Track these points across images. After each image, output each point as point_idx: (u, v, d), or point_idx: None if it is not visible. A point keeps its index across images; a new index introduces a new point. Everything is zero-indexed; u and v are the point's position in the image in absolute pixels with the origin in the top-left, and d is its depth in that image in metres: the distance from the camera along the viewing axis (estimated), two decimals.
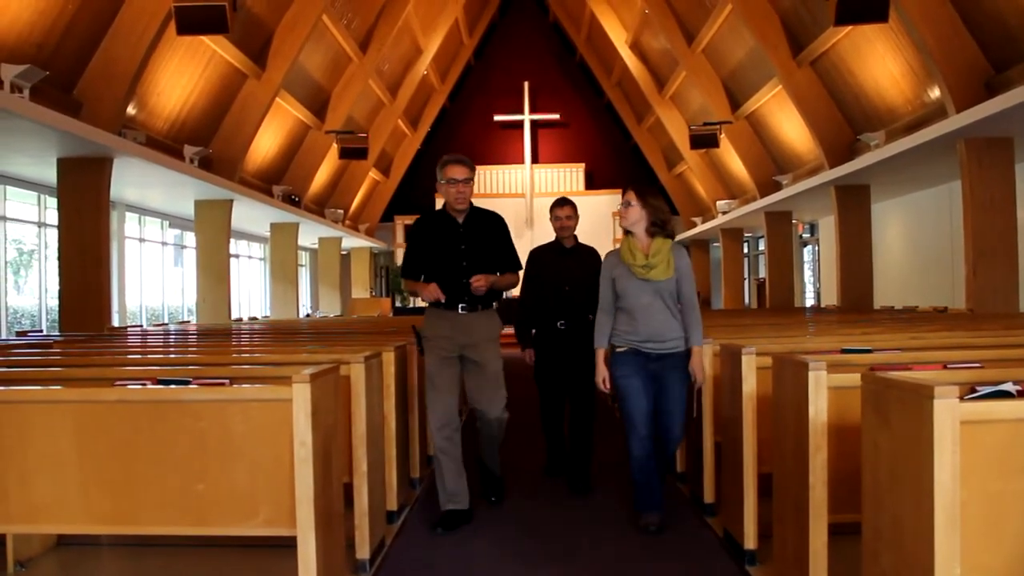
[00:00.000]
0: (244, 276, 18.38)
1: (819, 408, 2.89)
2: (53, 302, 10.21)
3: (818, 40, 11.54)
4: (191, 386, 3.03)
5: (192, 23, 9.19)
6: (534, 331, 5.14)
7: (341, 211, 19.28)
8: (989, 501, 2.09)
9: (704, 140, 16.07)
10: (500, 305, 4.43)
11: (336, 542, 3.21)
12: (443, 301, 4.17)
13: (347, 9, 15.35)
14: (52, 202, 10.09)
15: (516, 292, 4.99)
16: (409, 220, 22.18)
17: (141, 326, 11.26)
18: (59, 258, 8.80)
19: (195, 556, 3.75)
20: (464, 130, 24.38)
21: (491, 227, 4.41)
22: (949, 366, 2.98)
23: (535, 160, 24.66)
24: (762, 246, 17.36)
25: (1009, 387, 2.28)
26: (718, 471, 4.14)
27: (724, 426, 3.94)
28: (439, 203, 4.84)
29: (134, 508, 2.93)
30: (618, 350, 4.02)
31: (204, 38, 10.85)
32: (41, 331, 9.97)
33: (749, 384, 3.56)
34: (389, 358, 4.20)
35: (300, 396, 2.85)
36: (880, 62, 10.77)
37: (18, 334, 8.22)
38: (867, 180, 11.52)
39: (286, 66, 13.10)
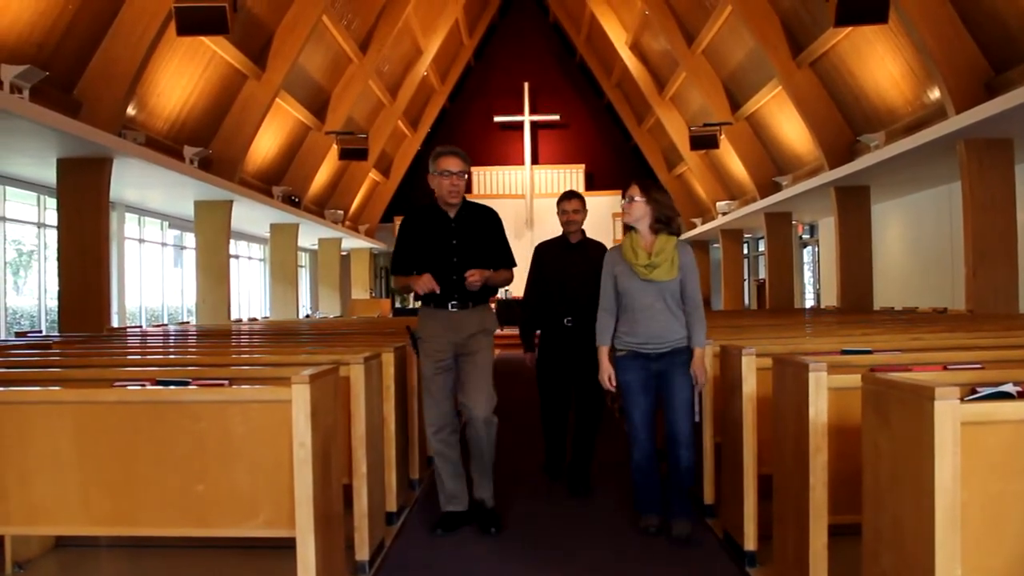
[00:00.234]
0: (244, 277, 18.38)
1: (819, 409, 2.89)
2: (52, 303, 10.20)
3: (818, 41, 11.53)
4: (190, 387, 3.03)
5: (192, 24, 9.20)
6: (538, 332, 5.01)
7: (341, 212, 19.28)
8: (990, 502, 2.09)
9: (704, 141, 16.07)
10: (499, 306, 4.33)
11: (335, 543, 3.21)
12: (438, 292, 4.03)
13: (347, 10, 15.35)
14: (52, 203, 10.08)
15: (517, 291, 4.93)
16: None
17: (140, 327, 11.25)
18: (58, 259, 8.79)
19: (194, 557, 3.75)
20: (464, 131, 24.38)
21: (484, 222, 4.27)
22: (949, 367, 2.98)
23: (535, 161, 24.67)
24: (762, 247, 17.36)
25: (1009, 388, 2.28)
26: (718, 472, 4.14)
27: (724, 427, 3.93)
28: None
29: (133, 509, 2.92)
30: (618, 353, 3.91)
31: (204, 39, 10.85)
32: (40, 332, 9.97)
33: (749, 385, 3.56)
34: (389, 359, 4.19)
35: (299, 397, 2.84)
36: (880, 63, 10.76)
37: (17, 335, 8.20)
38: (867, 181, 11.52)
39: (286, 67, 13.10)
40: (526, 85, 24.41)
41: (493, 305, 4.36)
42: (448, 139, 24.08)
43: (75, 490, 2.92)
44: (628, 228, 3.92)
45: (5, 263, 10.36)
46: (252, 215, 14.57)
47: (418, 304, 4.31)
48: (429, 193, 4.21)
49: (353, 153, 16.82)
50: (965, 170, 8.45)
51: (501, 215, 4.41)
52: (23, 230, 10.98)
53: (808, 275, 18.98)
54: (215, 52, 11.58)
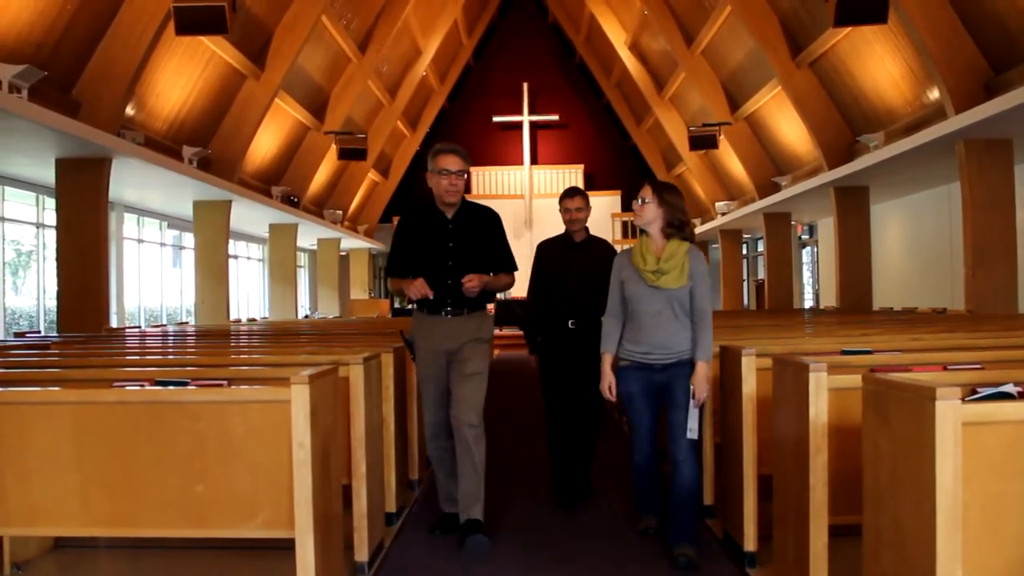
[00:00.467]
0: (243, 277, 18.37)
1: (819, 409, 2.88)
2: (51, 303, 10.20)
3: (817, 41, 11.54)
4: (189, 387, 3.02)
5: (191, 23, 9.19)
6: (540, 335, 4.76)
7: (340, 212, 19.28)
8: (991, 503, 2.09)
9: (703, 141, 16.07)
10: (498, 306, 4.15)
11: (335, 544, 3.20)
12: (431, 298, 3.84)
13: (346, 10, 15.35)
14: (51, 203, 10.08)
15: (517, 292, 4.75)
16: None
17: (139, 327, 11.24)
18: (57, 259, 8.78)
19: (193, 558, 3.74)
20: (463, 131, 24.36)
21: (483, 224, 4.06)
22: (949, 367, 2.98)
23: (534, 161, 24.67)
24: (761, 247, 17.36)
25: (1010, 388, 2.28)
26: (718, 472, 4.13)
27: (724, 427, 3.93)
28: None
29: (132, 510, 2.92)
30: (622, 364, 3.70)
31: (203, 38, 10.84)
32: (39, 332, 9.95)
33: (749, 385, 3.55)
34: (388, 359, 4.18)
35: (299, 397, 2.84)
36: (879, 63, 10.77)
37: (16, 335, 8.19)
38: (866, 181, 11.52)
39: (285, 67, 13.09)
40: (525, 85, 24.41)
41: (491, 307, 4.15)
42: (447, 139, 23.97)
43: (74, 491, 2.91)
44: (641, 231, 3.70)
45: (4, 263, 10.35)
46: (251, 215, 14.56)
47: (415, 306, 4.11)
48: (429, 193, 4.04)
49: (352, 153, 16.81)
50: (964, 170, 8.46)
51: (500, 216, 4.22)
52: (22, 230, 10.97)
53: (807, 275, 18.99)
54: (214, 52, 11.58)
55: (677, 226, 3.62)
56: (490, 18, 24.50)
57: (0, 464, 2.91)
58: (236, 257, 17.55)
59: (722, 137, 15.83)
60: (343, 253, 21.58)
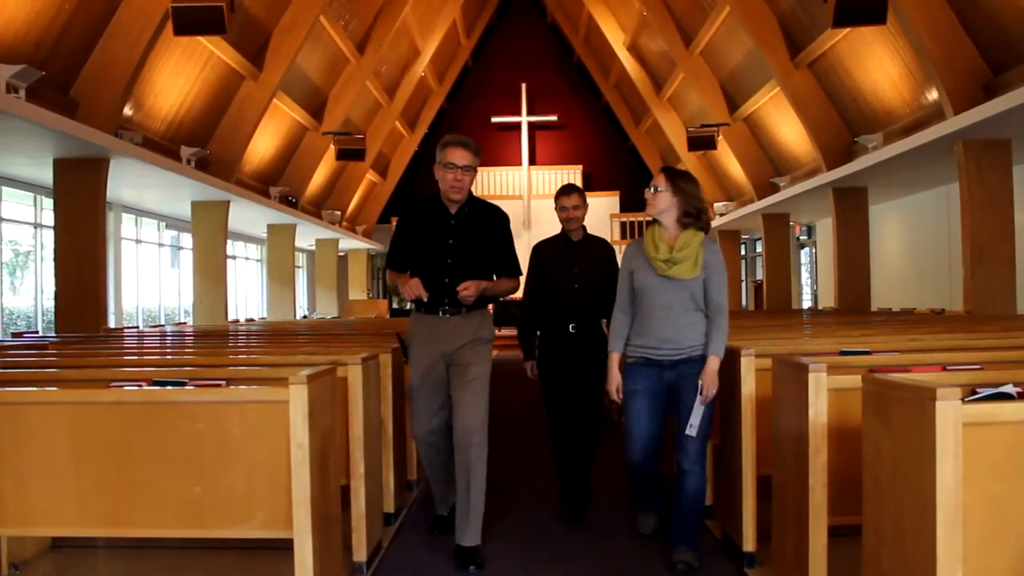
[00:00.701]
0: (241, 277, 18.36)
1: (819, 410, 2.88)
2: (49, 303, 10.18)
3: (816, 42, 11.53)
4: (187, 388, 3.01)
5: (189, 24, 9.16)
6: (538, 335, 4.53)
7: (338, 212, 19.27)
8: (991, 503, 2.09)
9: (702, 142, 16.07)
10: (496, 307, 3.96)
11: (333, 544, 3.20)
12: (425, 300, 3.64)
13: (345, 10, 15.34)
14: (48, 203, 10.06)
15: (517, 295, 4.39)
16: None
17: (137, 327, 11.23)
18: (55, 259, 8.76)
19: (191, 558, 3.73)
20: (462, 131, 23.46)
21: (489, 223, 3.82)
22: (949, 368, 2.97)
23: (533, 162, 24.68)
24: (759, 248, 17.37)
25: (1009, 389, 2.28)
26: (717, 473, 4.13)
27: (723, 428, 3.92)
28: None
29: (130, 510, 2.91)
30: (629, 361, 3.54)
31: (201, 39, 10.82)
32: (37, 332, 9.93)
33: (748, 386, 3.55)
34: (386, 360, 4.17)
35: (297, 398, 2.83)
36: (878, 64, 10.77)
37: (14, 335, 8.17)
38: (865, 182, 11.52)
39: (283, 67, 13.07)
40: (524, 86, 24.41)
41: (491, 306, 3.95)
42: None
43: (71, 491, 2.90)
44: (653, 221, 3.50)
45: (2, 263, 10.34)
46: (249, 215, 14.55)
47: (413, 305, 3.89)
48: (429, 191, 3.88)
49: (350, 154, 16.80)
50: (963, 171, 8.46)
51: (509, 217, 3.94)
52: (20, 230, 10.95)
53: (805, 276, 19.00)
54: (212, 52, 11.56)
55: (693, 215, 3.41)
56: (489, 19, 24.50)
57: None
58: (234, 257, 17.53)
59: (720, 138, 15.83)
60: (341, 253, 21.56)
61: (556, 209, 4.49)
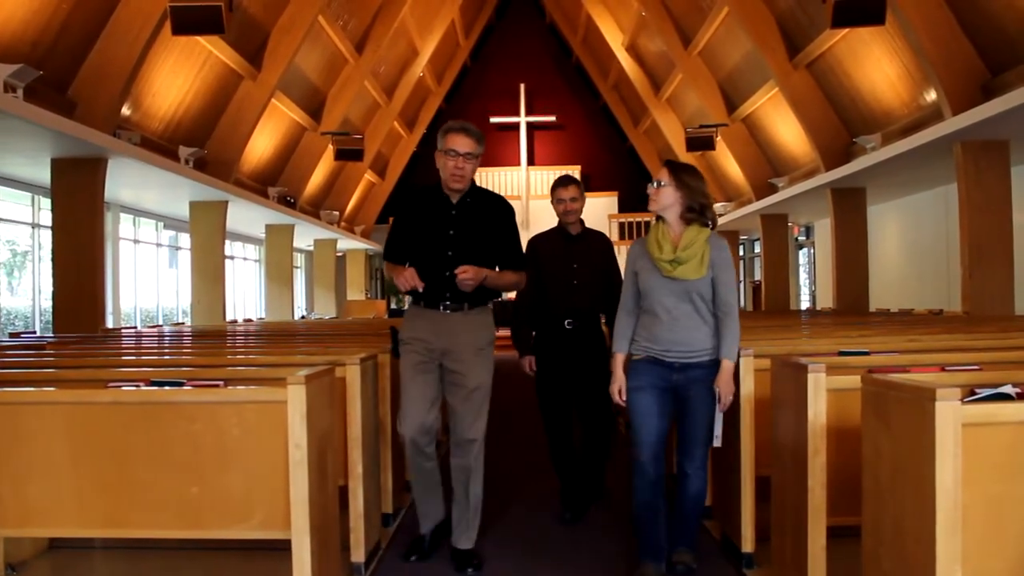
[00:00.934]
0: (239, 278, 18.34)
1: (818, 410, 2.88)
2: (47, 303, 10.16)
3: (814, 43, 11.54)
4: (185, 388, 3.01)
5: (188, 23, 9.16)
6: (534, 335, 4.40)
7: (337, 213, 19.25)
8: (991, 504, 2.08)
9: (700, 143, 16.08)
10: (495, 306, 3.71)
11: (331, 545, 3.19)
12: (420, 291, 3.43)
13: (343, 10, 15.33)
14: (46, 203, 10.03)
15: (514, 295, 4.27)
16: None
17: (135, 328, 11.21)
18: (53, 259, 8.75)
19: (189, 559, 3.72)
20: None
21: (492, 214, 3.63)
22: (948, 368, 2.97)
23: (531, 162, 24.68)
24: (758, 249, 17.37)
25: (1009, 389, 2.27)
26: (715, 473, 4.12)
27: (722, 428, 3.91)
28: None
29: (128, 511, 2.90)
30: (634, 358, 3.35)
31: (200, 39, 10.81)
32: (35, 332, 9.92)
33: (747, 386, 3.55)
34: (385, 360, 4.16)
35: (295, 398, 2.82)
36: (876, 65, 10.78)
37: (11, 335, 8.17)
38: (863, 183, 11.53)
39: (282, 67, 13.06)
40: (522, 86, 24.41)
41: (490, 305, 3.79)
42: None
43: (69, 491, 2.89)
44: (657, 218, 3.35)
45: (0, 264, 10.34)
46: (247, 216, 14.53)
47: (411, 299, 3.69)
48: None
49: (349, 154, 16.79)
50: (961, 172, 8.47)
51: (513, 208, 3.76)
52: (17, 230, 10.93)
53: (804, 277, 19.02)
54: (210, 52, 11.55)
55: (698, 211, 3.26)
56: (487, 19, 24.50)
57: None
58: (232, 258, 17.52)
59: (719, 138, 15.84)
60: (340, 254, 21.55)
61: (553, 202, 4.38)
